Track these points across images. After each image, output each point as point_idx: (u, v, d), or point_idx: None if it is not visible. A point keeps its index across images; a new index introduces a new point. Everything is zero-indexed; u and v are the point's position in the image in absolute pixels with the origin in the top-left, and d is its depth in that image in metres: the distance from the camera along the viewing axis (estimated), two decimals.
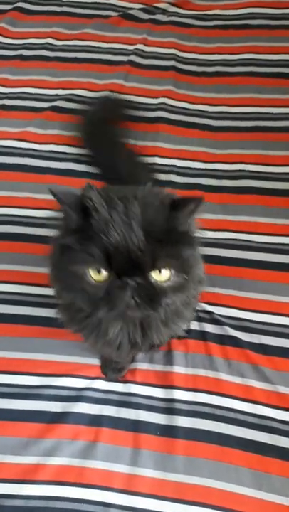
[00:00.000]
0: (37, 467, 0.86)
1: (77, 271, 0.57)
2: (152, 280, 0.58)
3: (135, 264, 0.55)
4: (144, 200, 0.58)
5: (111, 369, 0.94)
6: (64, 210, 0.59)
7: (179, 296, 0.61)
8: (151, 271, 0.57)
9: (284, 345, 0.97)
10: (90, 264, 0.56)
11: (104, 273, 0.56)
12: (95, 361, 0.96)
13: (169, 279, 0.58)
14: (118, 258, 0.55)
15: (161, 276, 0.58)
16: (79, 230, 0.57)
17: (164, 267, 0.57)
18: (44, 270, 1.05)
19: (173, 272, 0.58)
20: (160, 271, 0.57)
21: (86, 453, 0.87)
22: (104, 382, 0.94)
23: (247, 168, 1.19)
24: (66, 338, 0.98)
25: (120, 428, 0.89)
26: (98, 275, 0.57)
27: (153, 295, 0.58)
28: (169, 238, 0.57)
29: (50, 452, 0.87)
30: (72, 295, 0.62)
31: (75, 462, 0.86)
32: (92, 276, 0.57)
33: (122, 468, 0.86)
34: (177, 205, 0.58)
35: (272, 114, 1.28)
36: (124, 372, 0.94)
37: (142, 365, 0.95)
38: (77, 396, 0.92)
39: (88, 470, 0.86)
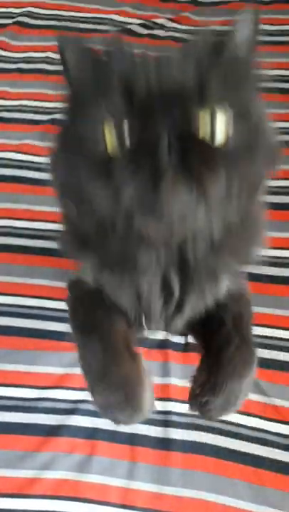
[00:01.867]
0: (32, 481, 0.85)
1: (86, 134, 0.38)
2: (202, 131, 0.36)
3: (172, 101, 0.35)
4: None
5: None
6: (70, 58, 0.44)
7: (245, 168, 0.39)
8: (200, 109, 0.36)
9: (279, 358, 0.98)
10: (105, 114, 0.37)
11: (125, 131, 0.36)
12: None
13: (227, 130, 0.37)
14: (147, 101, 0.35)
15: (216, 122, 0.36)
16: (93, 81, 0.41)
17: (220, 103, 0.37)
18: (40, 282, 1.07)
19: (232, 116, 0.37)
20: (213, 113, 0.36)
21: (82, 466, 0.87)
22: None
23: None
24: (62, 349, 0.99)
25: (116, 441, 0.89)
26: (115, 138, 0.36)
27: (204, 152, 0.35)
28: (223, 65, 0.39)
29: (46, 466, 0.87)
30: (80, 181, 0.40)
31: (71, 476, 0.86)
32: (108, 140, 0.37)
33: (118, 482, 0.86)
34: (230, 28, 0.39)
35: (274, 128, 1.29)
36: None
37: None
38: (73, 409, 0.92)
39: (84, 484, 0.85)
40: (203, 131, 0.35)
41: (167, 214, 0.34)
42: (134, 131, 0.35)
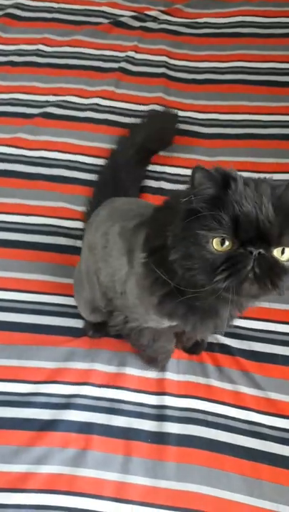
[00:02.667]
0: (27, 476, 0.85)
1: (201, 237, 0.57)
2: (275, 255, 0.57)
3: (261, 235, 0.55)
4: (272, 182, 0.59)
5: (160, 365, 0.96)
6: (201, 178, 0.59)
7: None
8: (276, 246, 0.56)
9: (274, 352, 0.98)
10: (217, 230, 0.56)
11: (227, 243, 0.56)
12: (84, 365, 0.96)
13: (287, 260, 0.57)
14: (246, 227, 0.55)
15: (285, 255, 0.57)
16: (211, 198, 0.57)
17: (288, 245, 0.57)
18: (32, 276, 1.07)
19: None
20: (284, 249, 0.57)
21: (77, 461, 0.87)
22: (94, 388, 0.94)
23: None
24: (54, 344, 0.98)
25: (111, 435, 0.89)
26: (220, 245, 0.56)
27: (275, 270, 0.56)
28: None
29: (41, 460, 0.86)
30: (190, 262, 0.59)
31: (66, 470, 0.86)
32: (215, 245, 0.57)
33: (113, 476, 0.85)
34: None
35: (262, 121, 1.29)
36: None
37: (133, 372, 0.95)
38: (68, 403, 0.92)
39: (79, 478, 0.85)
40: (277, 254, 0.57)
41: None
42: (234, 245, 0.56)
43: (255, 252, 0.55)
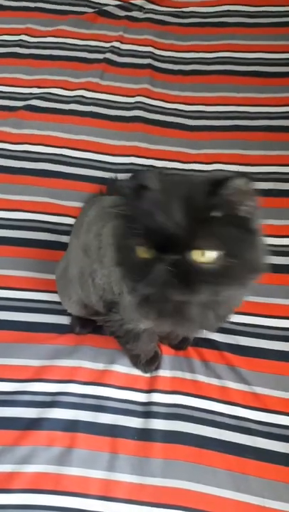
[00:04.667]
0: (12, 475, 0.84)
1: (129, 245, 0.57)
2: (192, 260, 0.54)
3: (175, 242, 0.54)
4: (193, 179, 0.59)
5: (142, 365, 0.94)
6: (128, 187, 0.59)
7: (228, 283, 0.56)
8: (192, 250, 0.54)
9: (260, 346, 0.97)
10: (136, 240, 0.56)
11: (147, 251, 0.56)
12: (69, 362, 0.95)
13: (213, 262, 0.54)
14: (158, 235, 0.54)
15: (204, 257, 0.54)
16: (133, 210, 0.57)
17: (207, 248, 0.54)
18: (16, 273, 1.05)
19: (219, 254, 0.54)
20: (203, 252, 0.54)
21: (62, 459, 0.86)
22: (79, 386, 0.93)
23: (224, 168, 1.19)
24: (39, 341, 0.97)
25: (97, 433, 0.89)
26: (144, 252, 0.56)
27: (193, 274, 0.54)
28: (215, 219, 0.54)
29: (26, 460, 0.86)
30: (126, 270, 0.60)
31: (51, 469, 0.85)
32: (139, 252, 0.56)
33: (99, 474, 0.85)
34: (220, 183, 0.55)
35: (249, 113, 1.28)
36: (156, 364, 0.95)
37: (119, 369, 0.95)
38: (52, 401, 0.91)
39: (65, 477, 0.85)
40: (197, 257, 0.54)
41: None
42: (153, 253, 0.55)
43: (169, 259, 0.54)
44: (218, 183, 0.54)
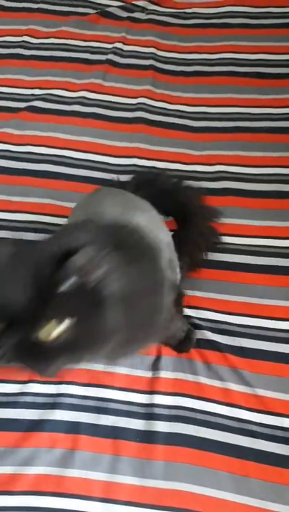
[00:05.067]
0: (13, 477, 0.84)
1: None
2: (37, 337, 0.54)
3: (23, 317, 0.54)
4: (38, 254, 0.57)
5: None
6: None
7: (79, 352, 0.58)
8: (38, 325, 0.54)
9: (263, 348, 0.97)
10: None
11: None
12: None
13: (62, 334, 0.54)
14: (5, 310, 0.54)
15: (53, 332, 0.54)
16: None
17: (54, 320, 0.54)
18: None
19: (67, 326, 0.54)
20: (52, 325, 0.54)
21: (64, 461, 0.86)
22: (80, 387, 0.93)
23: (226, 170, 1.19)
24: None
25: (99, 435, 0.89)
26: None
27: (34, 350, 0.55)
28: (62, 292, 0.54)
29: (27, 461, 0.86)
30: None
31: (53, 471, 0.85)
32: None
33: (100, 476, 0.85)
34: (68, 256, 0.55)
35: (251, 114, 1.28)
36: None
37: (121, 370, 0.95)
38: (54, 403, 0.91)
39: (66, 479, 0.85)
40: (40, 335, 0.53)
41: None
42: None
43: (9, 337, 0.53)
44: (65, 256, 0.54)
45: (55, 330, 0.54)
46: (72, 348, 0.56)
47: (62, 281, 0.54)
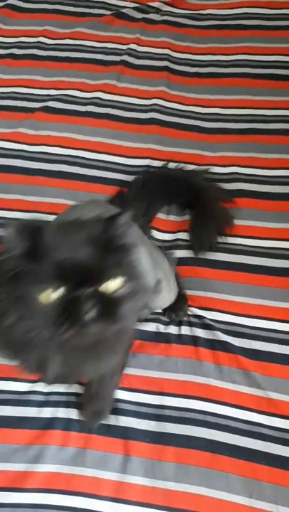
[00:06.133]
0: (25, 474, 0.85)
1: (30, 294, 0.55)
2: (105, 290, 0.56)
3: (86, 276, 0.55)
4: (82, 222, 0.62)
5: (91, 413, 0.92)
6: (10, 235, 0.56)
7: (135, 304, 0.60)
8: (103, 281, 0.56)
9: (275, 351, 0.97)
10: (42, 282, 0.55)
11: (56, 292, 0.55)
12: None
13: (121, 288, 0.57)
14: (69, 273, 0.55)
15: (113, 285, 0.57)
16: (27, 253, 0.56)
17: (114, 276, 0.57)
18: None
19: (123, 280, 0.58)
20: (110, 281, 0.57)
21: (75, 460, 0.86)
22: None
23: (240, 171, 1.18)
24: None
25: (110, 435, 0.89)
26: (50, 295, 0.55)
27: (110, 304, 0.56)
28: (112, 249, 0.58)
29: (39, 459, 0.86)
30: (27, 324, 0.57)
31: (64, 469, 0.86)
32: (43, 298, 0.55)
33: (111, 476, 0.85)
34: (113, 221, 0.59)
35: (265, 116, 1.27)
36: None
37: (132, 371, 0.95)
38: (67, 402, 0.92)
39: (77, 477, 0.85)
40: (103, 289, 0.56)
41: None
42: (62, 293, 0.54)
43: (86, 294, 0.54)
44: (108, 220, 0.59)
45: (117, 281, 0.57)
46: (129, 302, 0.58)
47: (111, 239, 0.58)
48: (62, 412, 0.91)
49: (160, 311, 1.00)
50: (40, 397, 0.92)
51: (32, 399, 0.92)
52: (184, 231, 1.11)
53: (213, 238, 1.08)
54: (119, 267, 0.57)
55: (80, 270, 0.55)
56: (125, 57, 1.40)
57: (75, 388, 0.93)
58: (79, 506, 0.83)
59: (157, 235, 1.11)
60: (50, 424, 0.90)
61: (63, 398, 0.92)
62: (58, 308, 0.54)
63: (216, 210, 1.10)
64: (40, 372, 0.66)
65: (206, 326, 0.99)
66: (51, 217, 1.11)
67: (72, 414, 0.91)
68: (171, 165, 1.19)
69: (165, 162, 1.19)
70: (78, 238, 0.57)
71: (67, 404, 0.91)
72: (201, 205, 1.10)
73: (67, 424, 0.90)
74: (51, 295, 0.54)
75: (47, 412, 0.91)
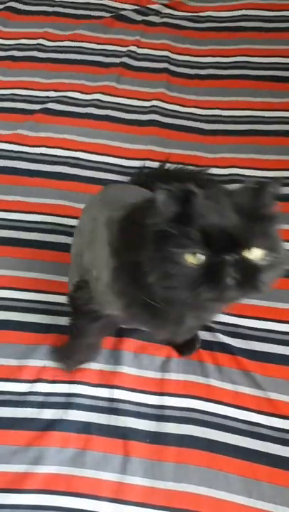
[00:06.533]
0: (25, 476, 0.85)
1: (175, 255, 0.58)
2: (248, 258, 0.58)
3: (231, 243, 0.57)
4: (226, 189, 0.63)
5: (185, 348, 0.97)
6: (161, 198, 0.60)
7: (273, 275, 0.61)
8: (247, 249, 0.58)
9: (275, 351, 0.97)
10: (188, 245, 0.57)
11: (200, 256, 0.57)
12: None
13: (263, 258, 0.59)
14: (215, 238, 0.57)
15: (256, 254, 0.58)
16: (176, 215, 0.59)
17: (258, 245, 0.58)
18: (32, 275, 1.06)
19: (265, 250, 0.59)
20: (253, 249, 0.58)
21: (75, 461, 0.86)
22: (91, 387, 0.93)
23: (239, 173, 1.19)
24: (50, 343, 0.98)
25: (110, 435, 0.89)
26: (194, 258, 0.57)
27: (251, 271, 0.58)
28: (258, 218, 0.59)
29: (39, 460, 0.86)
30: (169, 282, 0.60)
31: (64, 470, 0.85)
32: (189, 259, 0.57)
33: (111, 477, 0.85)
34: (261, 189, 0.60)
35: (265, 117, 1.28)
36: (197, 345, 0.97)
37: (131, 371, 0.95)
38: (66, 403, 0.92)
39: (77, 478, 0.85)
40: (247, 255, 0.57)
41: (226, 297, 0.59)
42: (208, 256, 0.57)
43: (230, 259, 0.56)
44: (258, 188, 0.60)
45: (261, 251, 0.58)
46: (269, 272, 0.59)
47: (260, 208, 0.59)
48: (61, 413, 0.91)
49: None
50: (40, 398, 0.92)
51: (31, 400, 0.92)
52: None
53: None
54: (264, 237, 0.59)
55: (226, 236, 0.56)
56: (125, 59, 1.41)
57: (75, 389, 0.93)
58: (79, 507, 0.82)
59: None
60: (49, 425, 0.90)
61: (62, 399, 0.92)
62: (201, 271, 0.57)
63: None
64: (172, 327, 0.72)
65: (205, 327, 0.99)
66: (50, 218, 1.14)
67: (72, 415, 0.90)
68: (168, 165, 1.20)
69: (162, 163, 1.19)
70: (226, 205, 0.58)
71: (66, 406, 0.91)
72: None
73: (66, 425, 0.89)
74: (197, 257, 0.57)
75: (46, 413, 0.91)
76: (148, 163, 1.22)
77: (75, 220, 1.12)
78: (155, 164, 1.21)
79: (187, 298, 0.59)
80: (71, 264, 0.90)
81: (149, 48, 1.43)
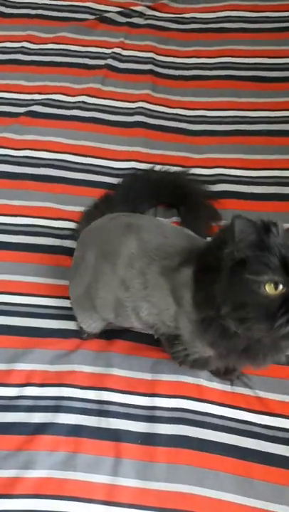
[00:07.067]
0: (15, 480, 0.84)
1: (252, 283, 0.57)
2: None
3: None
4: None
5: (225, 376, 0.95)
6: (241, 225, 0.59)
7: None
8: None
9: None
10: (267, 274, 0.57)
11: (280, 286, 0.57)
12: (67, 367, 0.95)
13: None
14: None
15: None
16: (254, 243, 0.59)
17: None
18: (20, 278, 1.06)
19: None
20: None
21: (66, 464, 0.86)
22: (81, 390, 0.93)
23: (225, 173, 1.19)
24: (41, 346, 0.97)
25: (100, 438, 0.88)
26: (273, 289, 0.57)
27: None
28: None
29: (29, 465, 0.85)
30: (244, 312, 0.60)
31: (55, 474, 0.85)
32: (268, 289, 0.57)
33: (103, 479, 0.85)
34: None
35: (250, 117, 1.28)
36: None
37: (121, 373, 0.95)
38: (55, 406, 0.91)
39: (68, 482, 0.84)
40: None
41: None
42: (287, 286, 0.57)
43: None
44: None
45: None
46: None
47: None
48: (51, 417, 0.90)
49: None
50: (29, 402, 0.91)
51: (20, 404, 0.91)
52: None
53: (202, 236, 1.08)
54: None
55: None
56: (110, 61, 1.41)
57: (64, 392, 0.93)
58: (71, 511, 0.82)
59: None
60: (39, 428, 0.89)
61: (52, 403, 0.92)
62: (280, 301, 0.56)
63: (202, 208, 1.11)
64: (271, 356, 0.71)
65: None
66: (37, 221, 1.13)
67: (62, 418, 0.90)
68: (157, 167, 1.20)
69: (151, 165, 1.19)
70: None
71: (56, 409, 0.91)
72: (187, 205, 1.11)
73: (56, 429, 0.89)
74: (278, 287, 0.56)
75: (36, 417, 0.90)
76: (135, 165, 1.21)
77: (61, 222, 1.13)
78: (142, 166, 1.21)
79: (264, 330, 0.58)
80: (89, 302, 0.87)
81: (133, 50, 1.43)
